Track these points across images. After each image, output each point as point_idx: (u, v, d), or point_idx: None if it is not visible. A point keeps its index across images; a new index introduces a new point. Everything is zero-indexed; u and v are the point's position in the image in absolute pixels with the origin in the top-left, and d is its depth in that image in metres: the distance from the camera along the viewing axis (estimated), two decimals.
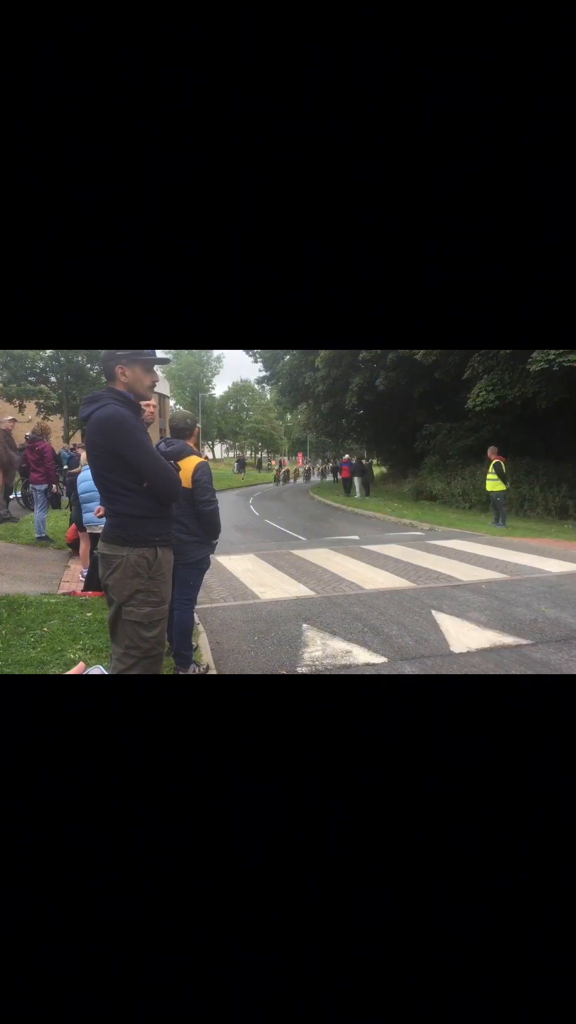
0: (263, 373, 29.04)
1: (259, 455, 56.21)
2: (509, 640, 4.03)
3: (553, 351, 9.76)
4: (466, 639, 4.06)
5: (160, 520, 2.07)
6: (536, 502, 11.69)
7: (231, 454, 55.02)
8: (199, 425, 3.49)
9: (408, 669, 3.56)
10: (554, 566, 6.47)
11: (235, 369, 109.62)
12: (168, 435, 3.36)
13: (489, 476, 10.11)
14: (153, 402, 2.18)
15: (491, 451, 10.26)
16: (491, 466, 10.02)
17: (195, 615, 3.56)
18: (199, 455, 3.26)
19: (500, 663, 3.63)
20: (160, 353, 2.18)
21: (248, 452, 56.49)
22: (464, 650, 3.86)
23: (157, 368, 2.22)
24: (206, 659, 3.59)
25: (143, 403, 2.18)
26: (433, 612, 4.69)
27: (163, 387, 37.68)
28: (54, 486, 7.93)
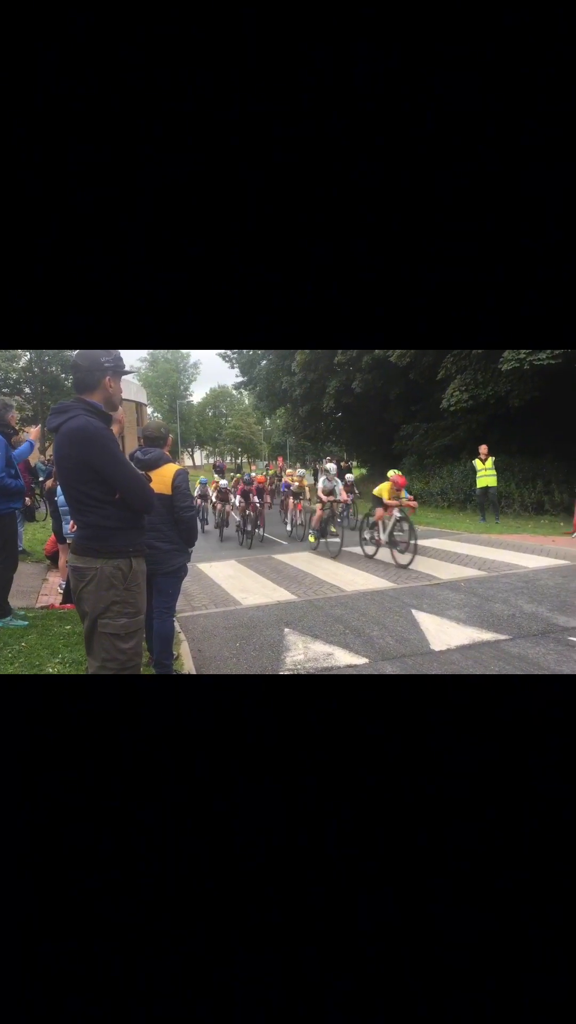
0: (240, 379, 28.98)
1: (239, 460, 56.10)
2: (488, 636, 4.09)
3: (523, 350, 9.95)
4: (446, 637, 4.11)
5: (133, 531, 2.07)
6: (512, 499, 11.86)
7: (210, 460, 54.78)
8: (171, 435, 3.51)
9: (389, 669, 3.59)
10: (530, 561, 6.58)
11: (212, 375, 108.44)
12: (143, 444, 3.38)
13: (489, 471, 10.26)
14: (122, 412, 2.20)
15: (484, 448, 10.45)
16: (490, 461, 10.20)
17: (176, 623, 3.55)
18: (175, 463, 3.29)
19: (479, 659, 3.68)
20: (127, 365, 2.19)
21: (227, 458, 56.31)
22: (444, 648, 3.91)
23: (133, 376, 2.23)
24: (187, 668, 3.58)
25: (114, 414, 2.18)
26: (413, 611, 4.74)
27: (140, 395, 37.39)
28: (27, 499, 7.82)
